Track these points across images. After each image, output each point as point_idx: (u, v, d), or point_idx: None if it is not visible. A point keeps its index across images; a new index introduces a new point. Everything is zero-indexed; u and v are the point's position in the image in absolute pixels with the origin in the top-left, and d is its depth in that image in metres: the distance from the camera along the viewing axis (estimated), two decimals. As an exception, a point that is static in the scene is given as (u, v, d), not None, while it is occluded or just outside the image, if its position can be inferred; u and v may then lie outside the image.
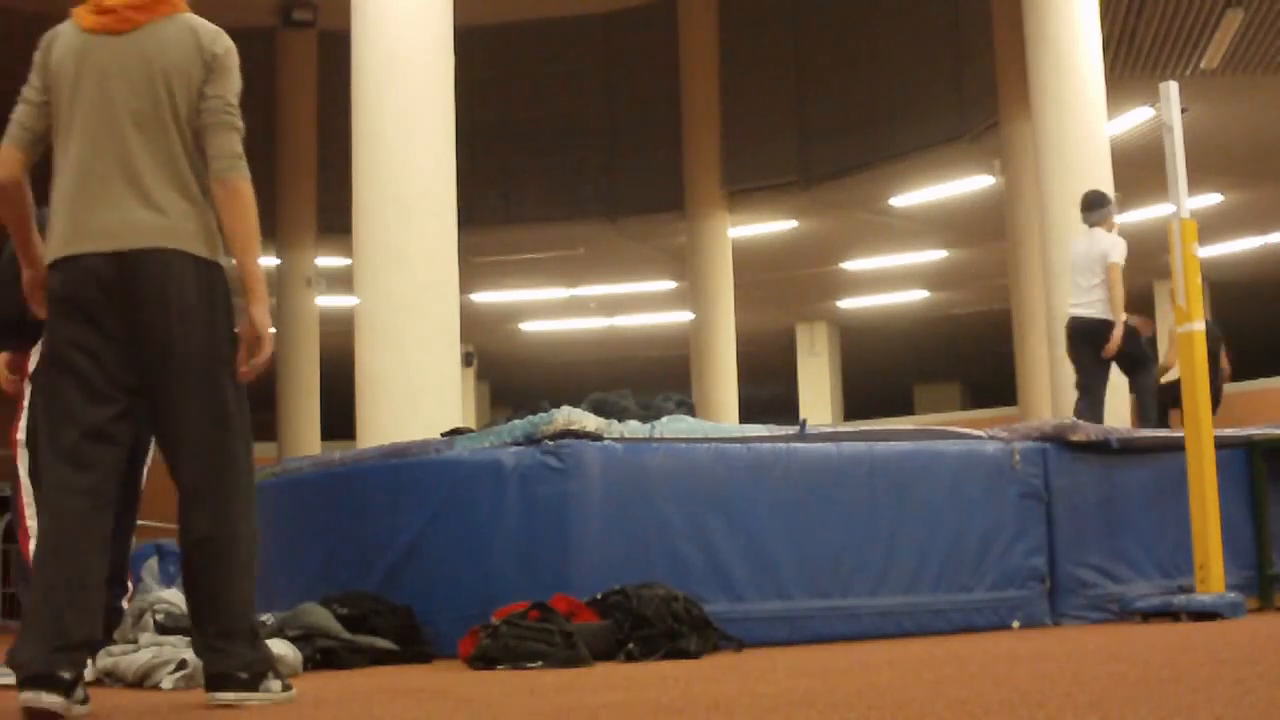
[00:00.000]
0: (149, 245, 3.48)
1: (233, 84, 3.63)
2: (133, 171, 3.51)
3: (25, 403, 5.02)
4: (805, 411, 22.74)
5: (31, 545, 4.81)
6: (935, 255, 21.14)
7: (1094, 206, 9.27)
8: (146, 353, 3.51)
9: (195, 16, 3.67)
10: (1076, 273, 9.08)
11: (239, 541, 3.60)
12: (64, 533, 3.45)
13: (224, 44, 3.65)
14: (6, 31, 16.35)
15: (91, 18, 3.61)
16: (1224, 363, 11.43)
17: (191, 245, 3.52)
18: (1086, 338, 8.99)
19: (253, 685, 3.54)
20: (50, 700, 3.31)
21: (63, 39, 3.64)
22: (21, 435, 4.95)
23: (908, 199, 18.44)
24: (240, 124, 3.63)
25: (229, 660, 3.53)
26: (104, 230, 3.48)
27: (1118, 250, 8.96)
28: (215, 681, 3.57)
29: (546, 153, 20.12)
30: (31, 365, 4.99)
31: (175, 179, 3.54)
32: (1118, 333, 8.86)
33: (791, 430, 6.12)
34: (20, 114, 3.62)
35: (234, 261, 3.65)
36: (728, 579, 5.64)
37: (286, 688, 3.64)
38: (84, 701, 3.44)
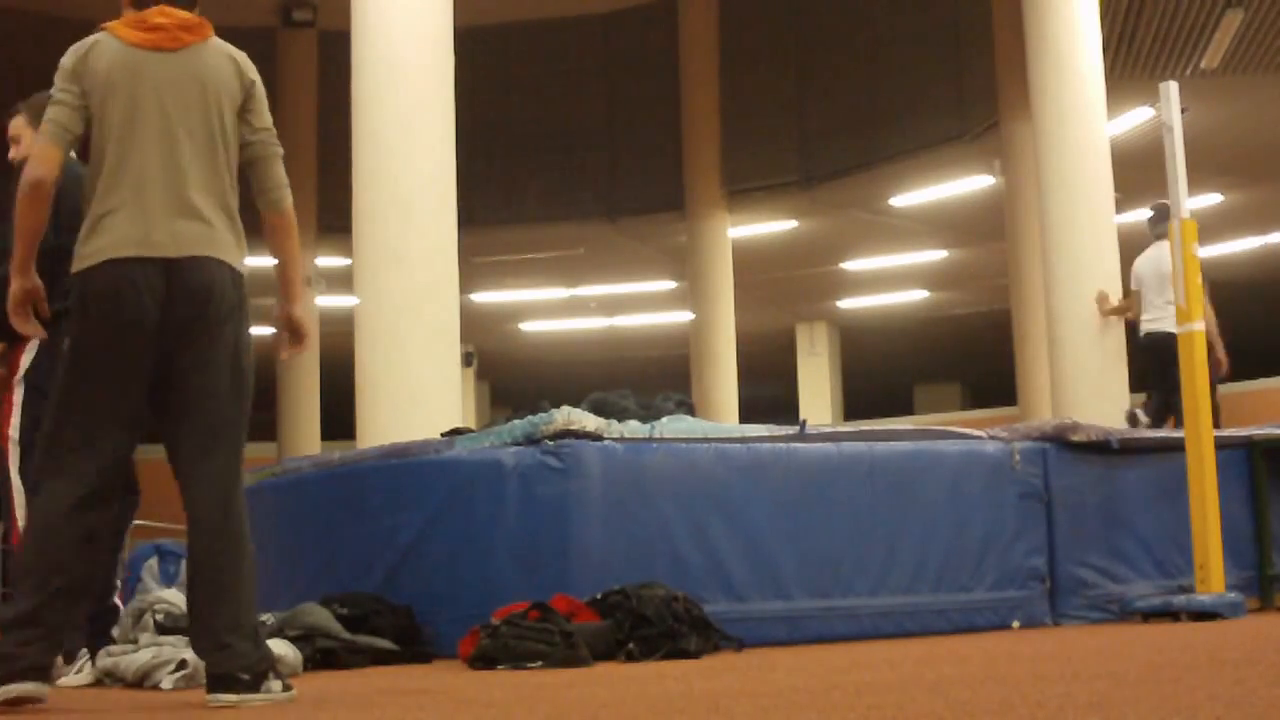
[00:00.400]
0: (196, 254, 3.66)
1: (268, 111, 3.89)
2: (185, 184, 3.68)
3: (16, 398, 4.99)
4: (805, 411, 22.74)
5: None
6: (935, 255, 21.14)
7: (1162, 219, 9.36)
8: (183, 351, 3.65)
9: (225, 43, 3.87)
10: (1147, 288, 9.19)
11: (246, 537, 3.69)
12: (70, 542, 3.57)
13: (256, 73, 3.89)
14: (11, 31, 16.37)
15: (138, 34, 3.74)
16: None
17: (229, 255, 3.73)
18: (1159, 353, 9.04)
19: (254, 686, 3.55)
20: (42, 691, 3.52)
21: (104, 51, 3.74)
22: (14, 433, 4.94)
23: (908, 199, 18.44)
24: (281, 150, 3.93)
25: (233, 660, 3.55)
26: (156, 240, 3.63)
27: None
28: (217, 683, 3.57)
29: (546, 153, 20.11)
30: (25, 363, 4.97)
31: (218, 192, 3.74)
32: (1221, 355, 9.19)
33: (791, 430, 6.12)
34: (61, 115, 3.70)
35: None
36: (728, 579, 5.64)
37: (287, 688, 3.65)
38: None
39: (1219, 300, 10.01)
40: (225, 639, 3.57)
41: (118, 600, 5.04)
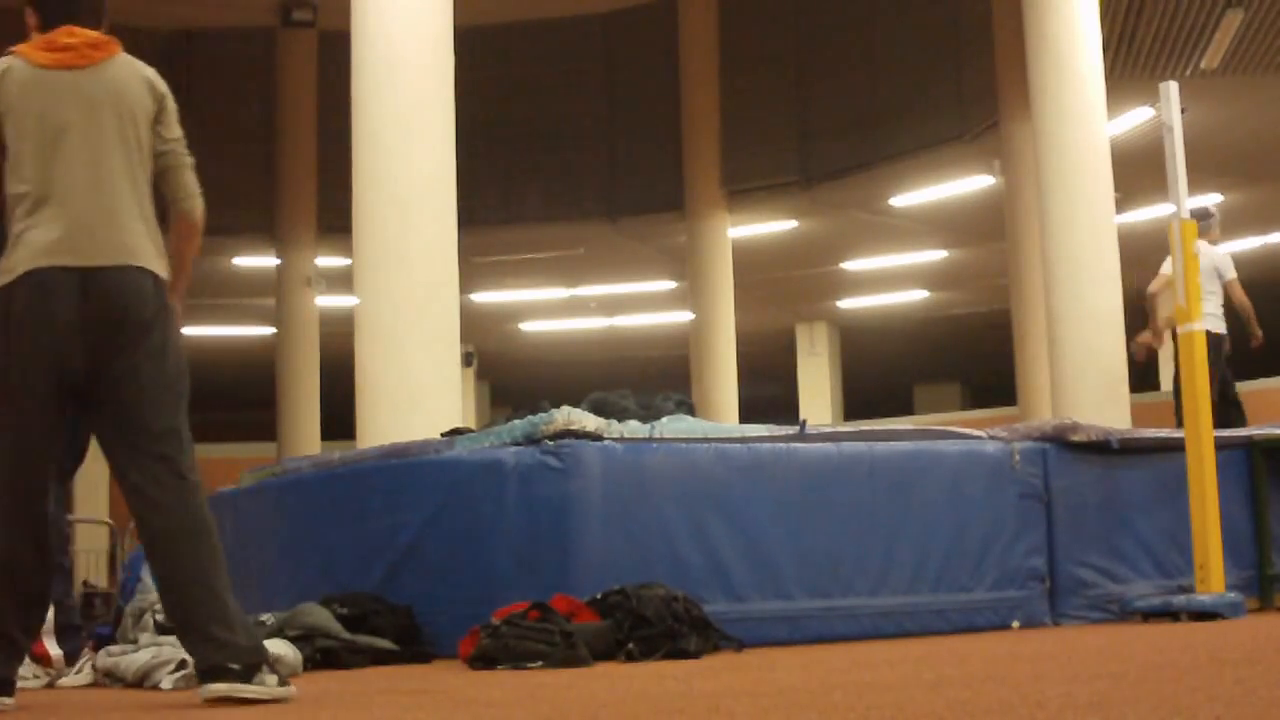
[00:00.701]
0: (115, 262, 3.71)
1: (178, 123, 3.96)
2: (103, 196, 3.74)
3: None
4: (805, 411, 22.74)
5: None
6: (935, 255, 21.14)
7: (1197, 220, 9.49)
8: (102, 357, 3.68)
9: (134, 59, 3.94)
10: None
11: (209, 527, 3.71)
12: (17, 551, 3.67)
13: (165, 85, 3.96)
14: (12, 31, 16.35)
15: (48, 55, 3.81)
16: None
17: (149, 262, 3.77)
18: None
19: (245, 677, 3.54)
20: (8, 703, 3.63)
21: (16, 75, 3.80)
22: None
23: (908, 199, 18.44)
24: (192, 159, 3.98)
25: (221, 652, 3.55)
26: (74, 248, 3.68)
27: (1229, 266, 9.44)
28: (207, 674, 3.58)
29: (546, 153, 20.12)
30: None
31: (138, 203, 3.80)
32: (1256, 330, 9.53)
33: (791, 430, 6.11)
34: None
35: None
36: (728, 579, 5.64)
37: (283, 683, 3.64)
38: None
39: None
40: (211, 632, 3.58)
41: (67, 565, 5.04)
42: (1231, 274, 9.41)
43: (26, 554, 3.67)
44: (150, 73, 3.93)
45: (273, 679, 3.60)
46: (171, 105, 3.93)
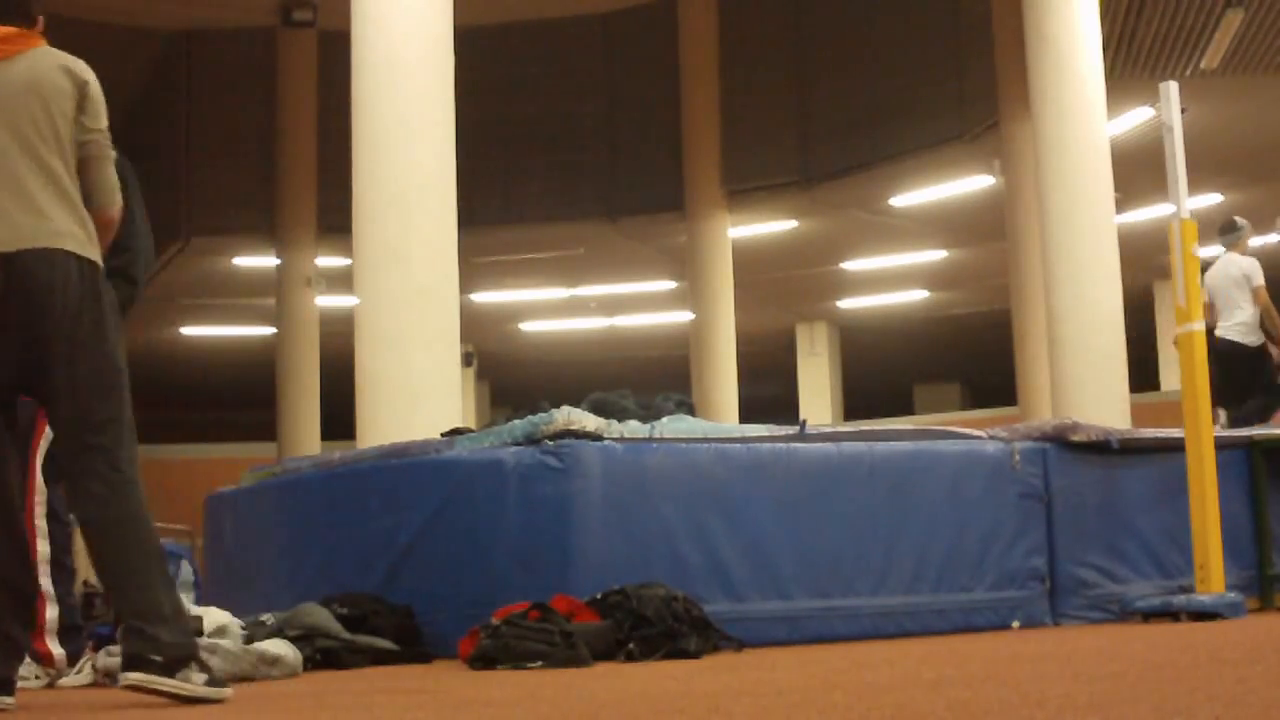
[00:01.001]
0: (34, 246, 3.67)
1: (104, 114, 3.90)
2: (21, 186, 3.71)
3: None
4: (805, 411, 22.74)
5: (42, 546, 4.84)
6: (935, 255, 21.15)
7: (1226, 231, 9.68)
8: (35, 347, 3.66)
9: (58, 50, 3.89)
10: (1213, 295, 9.37)
11: (140, 521, 3.69)
12: None
13: (91, 74, 3.90)
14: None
15: None
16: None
17: (75, 246, 3.72)
18: (1220, 360, 9.14)
19: (167, 671, 3.52)
20: (8, 702, 3.60)
21: None
22: (50, 429, 4.95)
23: (908, 199, 18.45)
24: (114, 153, 3.94)
25: (143, 643, 3.54)
26: None
27: (1257, 273, 9.43)
28: (126, 661, 3.57)
29: (546, 153, 20.12)
30: None
31: (59, 190, 3.76)
32: (1275, 350, 9.46)
33: (791, 430, 6.11)
34: None
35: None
36: (728, 579, 5.64)
37: (216, 684, 3.61)
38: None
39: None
40: (136, 623, 3.57)
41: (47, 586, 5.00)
42: (1259, 281, 9.42)
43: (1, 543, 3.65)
44: (72, 62, 3.86)
45: (200, 678, 3.55)
46: (95, 94, 3.86)
